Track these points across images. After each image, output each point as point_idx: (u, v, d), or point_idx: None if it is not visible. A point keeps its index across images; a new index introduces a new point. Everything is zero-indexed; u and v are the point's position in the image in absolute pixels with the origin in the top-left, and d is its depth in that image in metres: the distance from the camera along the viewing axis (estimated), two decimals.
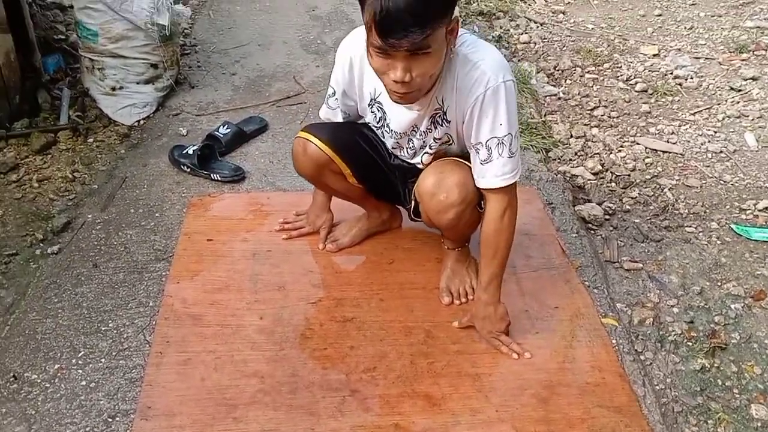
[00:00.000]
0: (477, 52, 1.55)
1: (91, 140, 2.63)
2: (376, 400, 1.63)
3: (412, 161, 1.83)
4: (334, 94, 1.86)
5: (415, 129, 1.73)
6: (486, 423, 1.59)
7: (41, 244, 2.12)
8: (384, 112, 1.75)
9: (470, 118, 1.58)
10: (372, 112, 1.79)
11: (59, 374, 1.68)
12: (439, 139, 1.71)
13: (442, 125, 1.66)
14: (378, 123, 1.80)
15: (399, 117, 1.72)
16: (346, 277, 2.00)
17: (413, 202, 1.87)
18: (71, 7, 2.78)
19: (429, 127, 1.70)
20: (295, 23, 3.75)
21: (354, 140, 1.87)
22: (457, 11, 1.47)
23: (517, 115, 1.61)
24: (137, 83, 2.75)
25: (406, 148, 1.81)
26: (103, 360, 1.72)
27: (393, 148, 1.85)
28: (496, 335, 1.76)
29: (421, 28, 1.33)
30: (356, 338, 1.80)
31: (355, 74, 1.71)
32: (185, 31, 3.46)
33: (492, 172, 1.60)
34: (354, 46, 1.68)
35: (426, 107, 1.65)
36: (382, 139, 1.85)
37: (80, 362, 1.71)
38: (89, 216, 2.22)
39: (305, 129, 1.88)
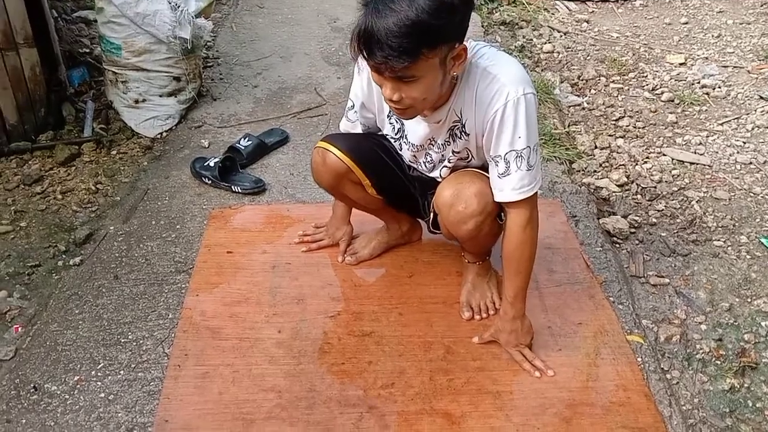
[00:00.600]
0: (497, 65, 1.53)
1: (114, 152, 2.65)
2: (394, 417, 1.61)
3: (430, 174, 1.81)
4: (353, 106, 1.86)
5: (433, 142, 1.72)
6: None
7: (64, 256, 2.13)
8: (402, 124, 1.73)
9: (490, 131, 1.56)
10: (390, 123, 1.78)
11: (79, 386, 1.68)
12: (458, 152, 1.69)
13: (461, 138, 1.64)
14: (396, 135, 1.79)
15: (416, 129, 1.70)
16: (365, 290, 1.99)
17: (432, 214, 1.85)
18: (95, 21, 2.81)
19: (447, 140, 1.68)
20: (316, 35, 3.76)
21: (373, 151, 1.85)
22: (467, 35, 1.45)
23: (538, 127, 1.59)
24: (160, 96, 2.77)
25: (424, 162, 1.79)
26: (122, 372, 1.72)
27: (410, 161, 1.83)
28: (521, 349, 1.73)
29: (400, 59, 1.33)
30: (375, 353, 1.77)
31: (374, 87, 1.70)
32: (208, 43, 3.48)
33: (510, 185, 1.58)
34: None
35: (443, 119, 1.63)
36: (399, 151, 1.83)
37: (99, 374, 1.72)
38: (111, 228, 2.23)
39: (325, 139, 1.87)
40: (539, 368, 1.72)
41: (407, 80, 1.40)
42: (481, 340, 1.79)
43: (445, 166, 1.74)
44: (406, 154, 1.81)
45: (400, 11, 1.30)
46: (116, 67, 2.73)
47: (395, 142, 1.81)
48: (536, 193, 1.61)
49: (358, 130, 1.90)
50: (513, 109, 1.50)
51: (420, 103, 1.47)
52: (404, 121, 1.71)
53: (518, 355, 1.74)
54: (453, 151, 1.69)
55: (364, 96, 1.78)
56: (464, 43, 1.43)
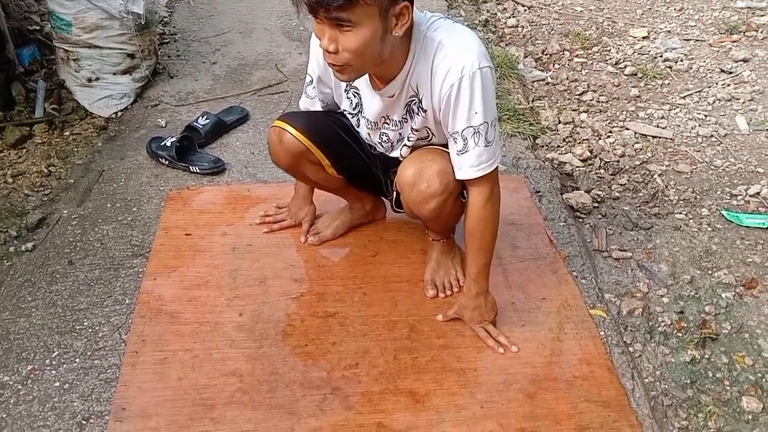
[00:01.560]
0: (453, 38, 1.49)
1: (67, 133, 2.56)
2: (358, 397, 1.59)
3: (391, 155, 1.78)
4: (311, 81, 1.81)
5: (388, 120, 1.68)
6: (471, 420, 1.55)
7: (15, 241, 2.06)
8: (360, 98, 1.69)
9: (446, 106, 1.52)
10: (347, 98, 1.73)
11: (32, 375, 1.63)
12: (417, 131, 1.65)
13: (418, 114, 1.61)
14: (354, 110, 1.74)
15: (372, 103, 1.66)
16: (329, 270, 1.95)
17: (395, 193, 1.82)
18: None
19: (404, 117, 1.64)
20: (277, 10, 3.67)
21: (332, 129, 1.81)
22: (430, 8, 1.41)
23: (502, 102, 1.57)
24: (114, 74, 2.67)
25: (380, 143, 1.76)
26: (77, 360, 1.67)
27: (368, 140, 1.79)
28: (485, 325, 1.73)
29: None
30: (338, 334, 1.75)
31: None
32: (164, 19, 3.38)
33: (468, 163, 1.55)
34: None
35: (397, 93, 1.59)
36: (357, 128, 1.79)
37: (54, 363, 1.66)
38: (65, 211, 2.16)
39: (281, 118, 1.81)
40: (503, 344, 1.71)
41: (344, 27, 1.34)
42: (445, 318, 1.78)
43: (405, 145, 1.71)
44: (364, 131, 1.77)
45: None
46: (67, 45, 2.63)
47: (353, 118, 1.77)
48: (496, 168, 1.59)
49: (318, 107, 1.85)
50: (469, 83, 1.47)
51: (357, 58, 1.39)
52: (362, 94, 1.67)
53: (482, 331, 1.73)
54: (412, 129, 1.66)
55: (320, 70, 1.73)
56: (408, 3, 1.38)
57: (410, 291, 1.89)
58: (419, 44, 1.50)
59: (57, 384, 1.61)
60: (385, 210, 2.12)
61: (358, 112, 1.73)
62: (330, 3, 1.29)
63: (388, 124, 1.69)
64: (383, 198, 2.04)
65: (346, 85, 1.69)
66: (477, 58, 1.47)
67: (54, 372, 1.64)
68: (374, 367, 1.66)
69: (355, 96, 1.70)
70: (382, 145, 1.77)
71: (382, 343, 1.73)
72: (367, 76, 1.58)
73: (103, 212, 2.16)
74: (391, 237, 2.08)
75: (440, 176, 1.60)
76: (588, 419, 1.56)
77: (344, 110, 1.78)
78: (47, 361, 1.66)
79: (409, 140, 1.69)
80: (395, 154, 1.76)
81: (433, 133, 1.66)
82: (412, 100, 1.60)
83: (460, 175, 1.58)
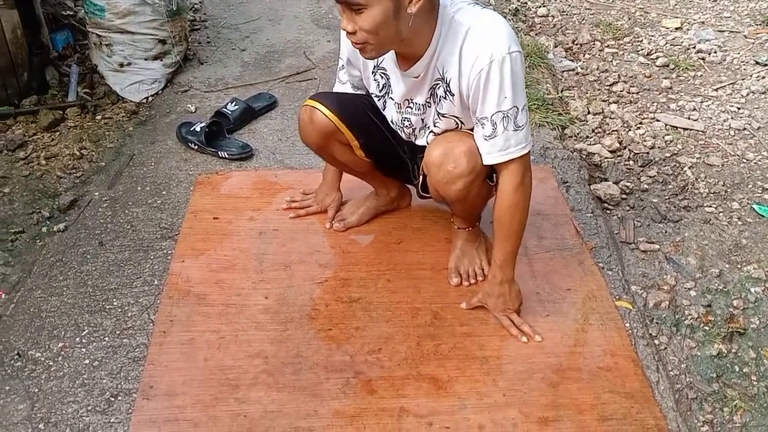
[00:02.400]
0: (482, 22, 1.49)
1: (99, 117, 2.61)
2: (381, 382, 1.60)
3: (417, 143, 1.78)
4: (343, 66, 1.83)
5: (411, 103, 1.68)
6: (492, 407, 1.55)
7: (48, 222, 2.10)
8: (387, 79, 1.70)
9: (475, 92, 1.52)
10: (375, 80, 1.74)
11: (63, 352, 1.67)
12: (445, 117, 1.65)
13: (446, 98, 1.60)
14: (381, 91, 1.74)
15: (398, 84, 1.67)
16: (353, 256, 1.97)
17: (421, 177, 1.82)
18: None
19: (428, 100, 1.64)
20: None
21: (363, 111, 1.81)
22: None
23: (531, 91, 1.56)
24: (145, 59, 2.71)
25: (403, 128, 1.76)
26: (106, 339, 1.71)
27: (393, 124, 1.79)
28: (509, 314, 1.73)
29: None
30: (362, 319, 1.76)
31: None
32: (195, 6, 3.41)
33: (497, 147, 1.55)
34: None
35: (422, 74, 1.58)
36: (384, 110, 1.79)
37: (84, 341, 1.70)
38: (96, 194, 2.20)
39: (313, 97, 1.82)
40: (527, 333, 1.71)
41: (356, 9, 1.39)
42: (469, 306, 1.78)
43: (432, 132, 1.71)
44: (390, 114, 1.78)
45: None
46: (100, 30, 2.67)
47: (379, 100, 1.77)
48: (528, 154, 1.58)
49: (350, 91, 1.86)
50: (498, 68, 1.46)
51: (374, 37, 1.43)
52: (390, 74, 1.67)
53: (506, 320, 1.73)
54: (438, 113, 1.65)
55: (349, 52, 1.74)
56: None
57: (434, 279, 1.89)
58: (445, 26, 1.50)
59: (87, 361, 1.65)
60: (410, 198, 2.12)
61: (385, 93, 1.73)
62: None
63: (411, 108, 1.69)
64: (409, 184, 2.04)
65: (374, 66, 1.70)
66: (507, 43, 1.46)
67: (84, 350, 1.68)
68: (397, 352, 1.67)
69: (382, 77, 1.71)
70: (404, 131, 1.77)
71: (405, 329, 1.74)
72: (394, 56, 1.59)
73: (134, 195, 2.19)
74: (416, 225, 2.09)
75: (467, 156, 1.60)
76: (611, 410, 1.55)
77: (372, 93, 1.78)
78: (77, 339, 1.70)
79: (436, 126, 1.68)
80: (421, 141, 1.76)
81: (462, 122, 1.65)
82: (437, 84, 1.59)
83: (489, 159, 1.58)
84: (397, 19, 1.42)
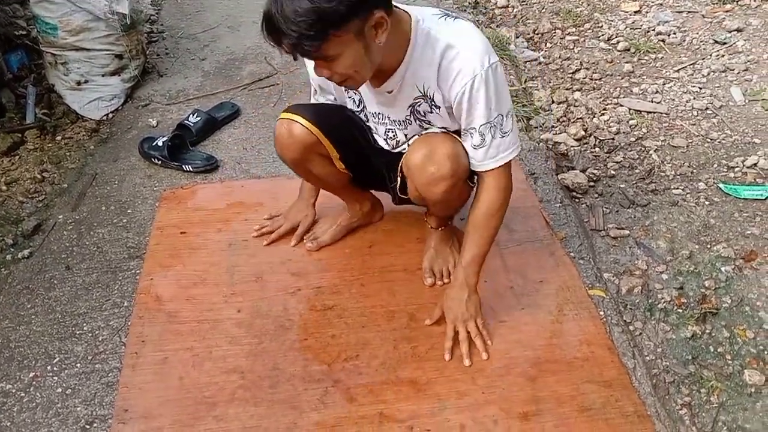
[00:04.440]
0: (459, 37, 1.47)
1: (59, 138, 2.56)
2: (360, 389, 1.59)
3: (395, 151, 1.76)
4: (316, 91, 1.82)
5: (388, 119, 1.67)
6: (473, 405, 1.55)
7: (12, 249, 2.06)
8: (360, 95, 1.68)
9: (459, 105, 1.51)
10: (350, 97, 1.72)
11: (34, 382, 1.63)
12: (430, 127, 1.65)
13: (432, 112, 1.60)
14: (358, 107, 1.72)
15: (371, 98, 1.65)
16: (325, 263, 1.95)
17: (399, 180, 1.78)
18: (29, 0, 2.68)
19: (408, 117, 1.63)
20: (264, 2, 3.63)
21: (340, 121, 1.76)
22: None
23: (508, 92, 1.54)
24: (102, 75, 2.66)
25: (387, 139, 1.74)
26: (78, 365, 1.67)
27: (377, 135, 1.77)
28: (467, 325, 1.68)
29: (306, 45, 1.30)
30: (337, 326, 1.75)
31: None
32: (151, 17, 3.36)
33: (488, 155, 1.56)
34: None
35: (398, 89, 1.56)
36: (368, 123, 1.76)
37: (56, 368, 1.67)
38: (60, 217, 2.16)
39: (289, 109, 1.75)
40: (479, 346, 1.67)
41: (327, 59, 1.36)
42: (432, 320, 1.74)
43: (408, 144, 1.70)
44: (375, 126, 1.75)
45: (292, 1, 1.25)
46: (54, 48, 2.62)
47: (360, 113, 1.75)
48: (511, 160, 1.59)
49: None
50: (482, 83, 1.46)
51: (354, 74, 1.42)
52: (361, 92, 1.66)
53: (463, 332, 1.67)
54: (423, 127, 1.65)
55: (318, 80, 1.71)
56: (383, 9, 1.35)
57: (407, 280, 1.88)
58: (420, 42, 1.48)
59: (59, 390, 1.61)
60: (382, 212, 2.08)
61: (362, 108, 1.71)
62: (306, 52, 1.34)
63: (394, 123, 1.68)
64: (385, 191, 1.98)
65: (344, 88, 1.68)
66: (486, 56, 1.46)
67: (56, 378, 1.64)
68: (374, 357, 1.66)
69: (356, 94, 1.69)
70: (388, 142, 1.75)
71: (381, 333, 1.73)
72: None
73: (98, 215, 2.15)
74: (386, 227, 2.07)
75: (450, 159, 1.58)
76: (590, 400, 1.55)
77: (351, 109, 1.76)
78: (49, 368, 1.67)
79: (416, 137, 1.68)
80: (401, 148, 1.74)
81: (449, 130, 1.64)
82: (418, 102, 1.58)
83: (480, 167, 1.59)
84: (369, 53, 1.39)
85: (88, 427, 1.53)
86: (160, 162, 2.34)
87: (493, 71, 1.47)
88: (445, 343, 1.67)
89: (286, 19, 1.26)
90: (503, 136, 1.54)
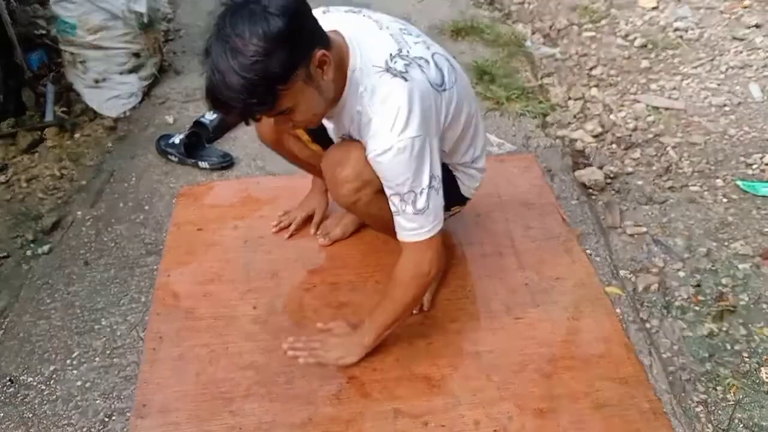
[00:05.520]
0: (380, 103, 1.36)
1: (77, 135, 2.58)
2: (375, 384, 1.60)
3: None
4: None
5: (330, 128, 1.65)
6: (487, 402, 1.55)
7: (32, 245, 2.08)
8: None
9: (374, 167, 1.43)
10: None
11: (55, 376, 1.66)
12: None
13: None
14: None
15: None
16: (341, 260, 1.96)
17: None
18: (48, 0, 2.71)
19: (348, 135, 1.56)
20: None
21: None
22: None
23: (430, 167, 1.40)
24: (120, 74, 2.69)
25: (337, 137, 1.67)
26: (97, 359, 1.70)
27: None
28: (319, 358, 1.60)
29: (257, 111, 1.26)
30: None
31: None
32: (168, 16, 3.38)
33: (400, 225, 1.46)
34: None
35: (336, 116, 1.50)
36: None
37: (75, 362, 1.69)
38: (78, 213, 2.18)
39: None
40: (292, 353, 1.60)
41: (284, 113, 1.31)
42: (325, 326, 1.69)
43: None
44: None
45: (230, 73, 1.19)
46: (73, 47, 2.64)
47: None
48: (432, 238, 1.46)
49: None
50: (392, 158, 1.37)
51: (313, 117, 1.39)
52: None
53: (303, 357, 1.59)
54: None
55: None
56: (320, 47, 1.28)
57: None
58: (351, 91, 1.41)
59: (79, 383, 1.64)
60: None
61: None
62: (262, 112, 1.29)
63: (335, 130, 1.63)
64: None
65: None
66: (404, 134, 1.35)
67: (75, 372, 1.67)
68: (389, 353, 1.66)
69: None
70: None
71: (396, 329, 1.72)
72: None
73: (116, 212, 2.18)
74: None
75: (354, 162, 1.49)
76: (606, 397, 1.55)
77: None
78: (68, 361, 1.69)
79: None
80: None
81: None
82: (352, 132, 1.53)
83: (399, 236, 1.49)
84: (321, 91, 1.34)
85: (107, 419, 1.55)
86: (176, 159, 2.36)
87: (408, 147, 1.35)
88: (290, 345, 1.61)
89: (229, 89, 1.20)
90: (416, 213, 1.42)
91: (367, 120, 1.39)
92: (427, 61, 1.43)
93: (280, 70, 1.22)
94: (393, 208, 1.46)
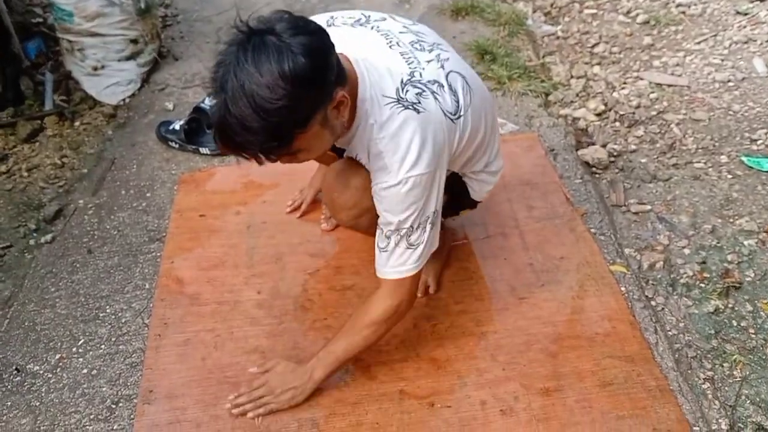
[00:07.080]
0: (390, 138, 1.29)
1: (77, 124, 2.57)
2: (380, 366, 1.60)
3: None
4: None
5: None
6: (493, 382, 1.55)
7: (35, 234, 2.08)
8: None
9: (376, 199, 1.38)
10: None
11: (61, 364, 1.66)
12: None
13: None
14: None
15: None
16: (344, 243, 1.95)
17: None
18: None
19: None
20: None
21: None
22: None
23: (432, 203, 1.35)
24: (119, 60, 2.67)
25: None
26: (103, 346, 1.70)
27: None
28: (267, 401, 1.51)
29: (272, 155, 1.18)
30: (357, 306, 1.75)
31: None
32: (165, 1, 3.36)
33: (390, 262, 1.39)
34: None
35: (347, 146, 1.44)
36: None
37: (81, 350, 1.70)
38: (80, 201, 2.18)
39: None
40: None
41: (291, 153, 1.23)
42: (261, 368, 1.59)
43: None
44: None
45: (250, 115, 1.10)
46: (70, 35, 2.62)
47: None
48: (414, 275, 1.42)
49: None
50: (398, 192, 1.31)
51: (319, 154, 1.33)
52: None
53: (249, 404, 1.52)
54: None
55: None
56: (340, 87, 1.20)
57: None
58: (361, 127, 1.34)
59: (85, 371, 1.64)
60: None
61: None
62: (280, 154, 1.21)
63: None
64: None
65: None
66: (410, 169, 1.29)
67: (81, 359, 1.67)
68: (394, 336, 1.66)
69: None
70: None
71: None
72: None
73: (118, 200, 2.17)
74: None
75: (354, 190, 1.47)
76: (612, 375, 1.55)
77: None
78: (74, 349, 1.70)
79: None
80: None
81: None
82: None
83: (379, 273, 1.43)
84: (333, 132, 1.27)
85: (113, 406, 1.56)
86: (177, 145, 2.35)
87: (416, 185, 1.30)
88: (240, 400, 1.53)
89: (248, 131, 1.11)
90: (409, 248, 1.37)
91: (377, 152, 1.31)
92: (441, 85, 1.35)
93: (304, 115, 1.16)
94: (381, 244, 1.39)
